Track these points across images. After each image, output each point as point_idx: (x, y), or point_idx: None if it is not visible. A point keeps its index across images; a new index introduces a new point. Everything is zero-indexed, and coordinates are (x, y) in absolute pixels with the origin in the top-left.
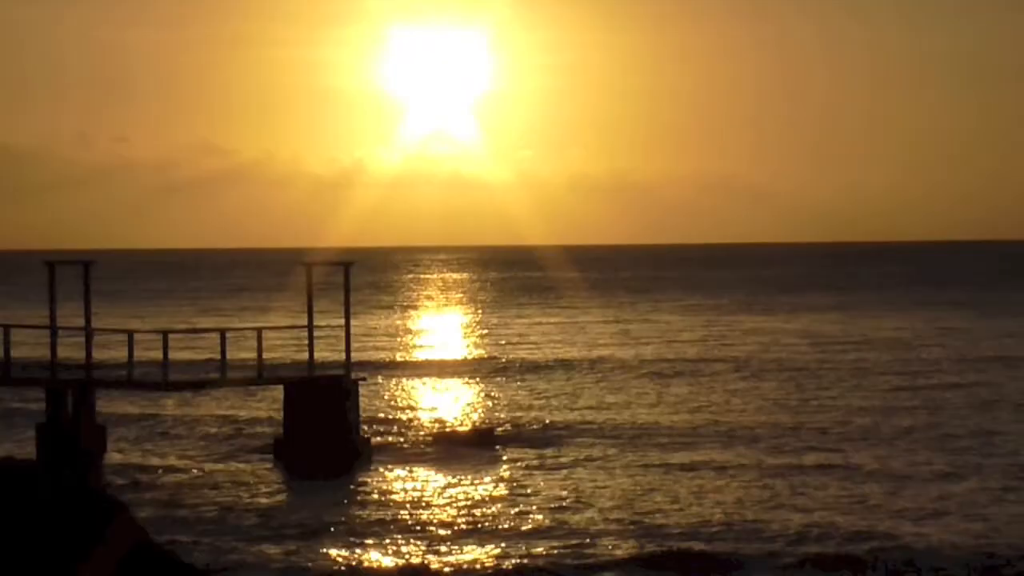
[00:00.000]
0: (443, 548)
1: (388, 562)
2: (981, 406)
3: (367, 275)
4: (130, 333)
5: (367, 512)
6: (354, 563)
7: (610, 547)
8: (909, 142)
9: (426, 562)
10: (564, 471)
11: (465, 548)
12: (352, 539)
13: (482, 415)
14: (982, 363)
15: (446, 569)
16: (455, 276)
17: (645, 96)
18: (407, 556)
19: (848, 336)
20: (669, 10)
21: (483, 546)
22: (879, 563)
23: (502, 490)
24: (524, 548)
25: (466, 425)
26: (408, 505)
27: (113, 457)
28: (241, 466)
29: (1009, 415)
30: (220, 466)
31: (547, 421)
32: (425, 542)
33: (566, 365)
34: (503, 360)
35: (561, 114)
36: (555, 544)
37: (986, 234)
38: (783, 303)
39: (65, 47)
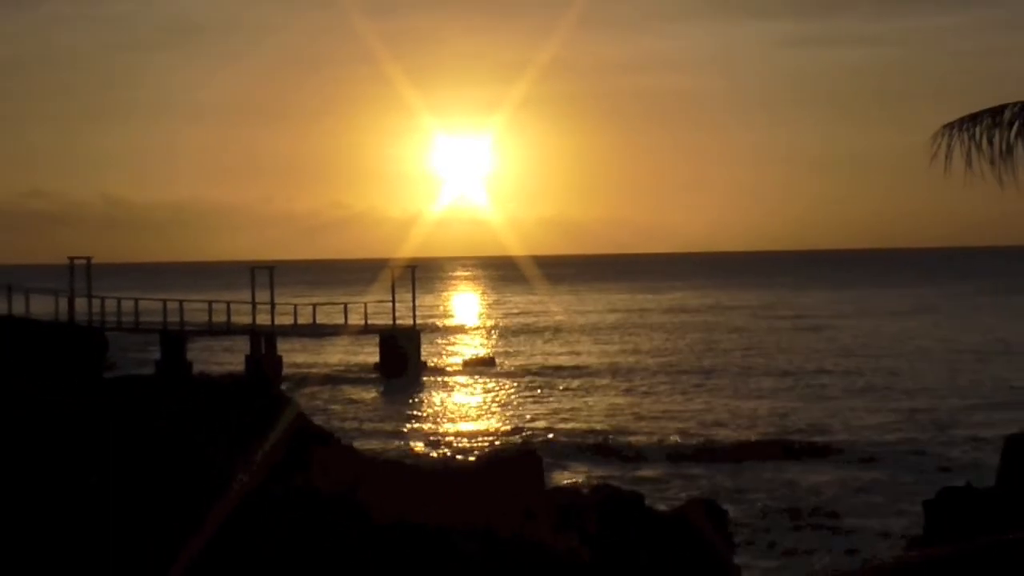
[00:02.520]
0: (461, 427)
1: (425, 442)
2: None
3: (424, 273)
4: (295, 306)
5: (423, 405)
6: (424, 440)
7: (559, 435)
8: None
9: (450, 436)
10: (532, 384)
11: (472, 428)
12: (417, 423)
13: (487, 350)
14: (776, 322)
15: (458, 443)
16: (472, 273)
17: (585, 173)
18: (447, 435)
19: (696, 306)
20: (602, 124)
21: (480, 427)
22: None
23: (497, 394)
24: (508, 432)
25: (479, 356)
26: (445, 402)
27: (286, 373)
28: (355, 380)
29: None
30: (344, 378)
31: (526, 355)
32: (452, 424)
33: (534, 324)
34: (499, 321)
35: (533, 183)
36: (525, 430)
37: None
38: (663, 286)
39: (254, 150)
